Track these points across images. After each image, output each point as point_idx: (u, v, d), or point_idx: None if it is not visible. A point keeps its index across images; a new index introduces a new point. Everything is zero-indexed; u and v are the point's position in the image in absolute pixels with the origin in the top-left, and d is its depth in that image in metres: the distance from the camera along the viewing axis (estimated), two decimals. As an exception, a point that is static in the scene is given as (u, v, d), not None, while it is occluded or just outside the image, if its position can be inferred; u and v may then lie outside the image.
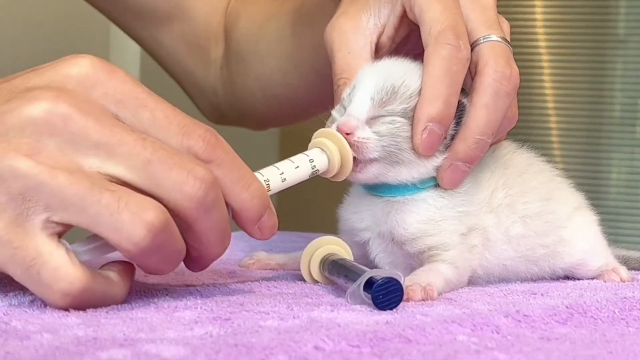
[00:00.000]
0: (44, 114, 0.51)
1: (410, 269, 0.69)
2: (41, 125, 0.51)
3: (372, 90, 0.68)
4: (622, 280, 0.76)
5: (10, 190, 0.50)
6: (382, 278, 0.56)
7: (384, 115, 0.67)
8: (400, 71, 0.69)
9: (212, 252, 0.57)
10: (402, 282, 0.57)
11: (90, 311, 0.52)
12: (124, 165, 0.51)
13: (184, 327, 0.48)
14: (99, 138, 0.51)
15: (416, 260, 0.70)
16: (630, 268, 0.81)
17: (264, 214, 0.58)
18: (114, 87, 0.54)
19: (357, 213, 0.72)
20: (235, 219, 0.58)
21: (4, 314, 0.50)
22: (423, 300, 0.61)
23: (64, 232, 0.52)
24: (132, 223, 0.50)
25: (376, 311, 0.55)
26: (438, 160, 0.68)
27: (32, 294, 0.55)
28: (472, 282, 0.71)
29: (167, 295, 0.59)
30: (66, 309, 0.51)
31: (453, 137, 0.68)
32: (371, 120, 0.67)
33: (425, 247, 0.69)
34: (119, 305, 0.54)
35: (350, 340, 0.45)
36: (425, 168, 0.68)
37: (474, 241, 0.70)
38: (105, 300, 0.53)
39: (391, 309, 0.56)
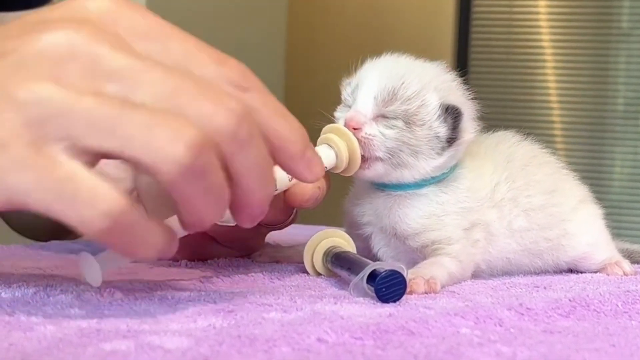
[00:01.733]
0: (64, 41, 0.47)
1: (413, 263, 0.69)
2: (62, 51, 0.47)
3: (375, 90, 0.68)
4: (625, 274, 0.76)
5: (29, 115, 0.45)
6: (386, 271, 0.56)
7: (388, 117, 0.68)
8: (400, 71, 0.69)
9: (254, 197, 0.50)
10: (405, 275, 0.57)
11: (93, 303, 0.52)
12: (149, 92, 0.47)
13: (187, 318, 0.48)
14: (123, 64, 0.47)
15: (419, 254, 0.70)
16: (634, 261, 0.81)
17: (308, 147, 0.53)
18: (138, 20, 0.50)
19: (360, 206, 0.72)
20: (278, 156, 0.52)
21: (8, 306, 0.50)
22: (426, 293, 0.61)
23: (91, 165, 0.47)
24: (170, 140, 0.45)
25: (379, 304, 0.55)
26: (437, 161, 0.69)
27: (35, 285, 0.55)
28: (475, 275, 0.71)
29: (170, 287, 0.59)
30: (103, 241, 0.47)
31: (450, 140, 0.69)
32: (376, 119, 0.68)
33: (428, 242, 0.69)
34: (123, 297, 0.54)
35: (353, 332, 0.45)
36: (425, 170, 0.69)
37: (476, 235, 0.70)
38: (143, 241, 0.47)
39: (394, 301, 0.56)
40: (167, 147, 0.45)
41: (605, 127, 3.35)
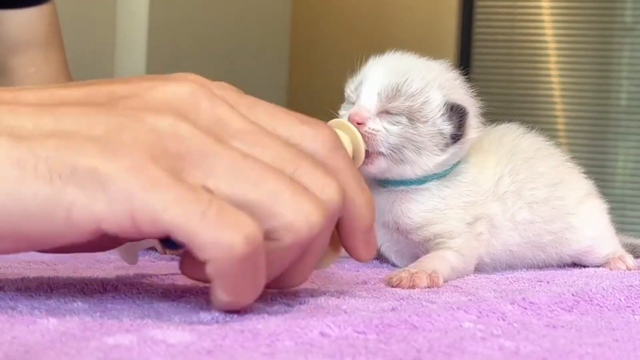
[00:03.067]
0: (188, 91, 0.47)
1: (416, 257, 0.69)
2: (187, 101, 0.46)
3: (379, 86, 0.68)
4: (628, 268, 0.76)
5: (169, 145, 0.44)
6: None
7: (391, 114, 0.68)
8: (404, 68, 0.70)
9: (290, 283, 0.51)
10: None
11: (97, 296, 0.52)
12: (269, 155, 0.46)
13: (190, 312, 0.48)
14: (243, 125, 0.47)
15: (422, 248, 0.70)
16: (637, 256, 0.81)
17: (373, 227, 0.52)
18: (228, 92, 0.50)
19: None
20: (344, 225, 0.51)
21: (10, 299, 0.50)
22: (428, 287, 0.61)
23: None
24: (312, 203, 0.46)
25: (382, 298, 0.55)
26: (440, 158, 0.69)
27: (38, 278, 0.55)
28: (479, 269, 0.72)
29: (173, 281, 0.59)
30: (202, 279, 0.48)
31: (454, 137, 0.69)
32: (380, 115, 0.68)
33: (430, 235, 0.69)
34: (126, 291, 0.54)
35: (356, 326, 0.45)
36: (427, 166, 0.69)
37: (480, 229, 0.70)
38: (259, 278, 0.46)
39: None
40: (310, 208, 0.46)
41: (609, 122, 3.35)
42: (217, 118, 0.47)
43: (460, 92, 0.71)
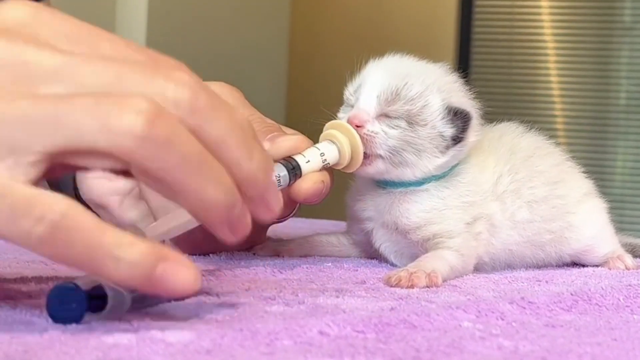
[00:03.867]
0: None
1: (415, 257, 0.69)
2: None
3: (378, 89, 0.68)
4: (627, 268, 0.76)
5: None
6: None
7: (390, 117, 0.68)
8: (403, 71, 0.70)
9: (248, 171, 0.43)
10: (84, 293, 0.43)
11: (95, 296, 0.52)
12: (92, 84, 0.41)
13: (190, 312, 0.48)
14: (56, 62, 0.42)
15: (421, 248, 0.70)
16: (636, 256, 0.81)
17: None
18: (60, 24, 0.45)
19: (361, 202, 0.72)
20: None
21: (10, 298, 0.50)
22: (427, 286, 0.61)
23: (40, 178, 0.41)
24: (121, 113, 0.40)
25: (381, 297, 0.56)
26: (440, 160, 0.69)
27: (37, 278, 0.55)
28: (478, 268, 0.72)
29: (172, 280, 0.59)
30: None
31: (455, 139, 0.69)
32: (379, 118, 0.68)
33: (430, 235, 0.69)
34: (125, 291, 0.54)
35: (355, 325, 0.45)
36: (427, 168, 0.69)
37: (479, 228, 0.70)
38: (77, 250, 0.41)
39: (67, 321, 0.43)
40: (119, 120, 0.40)
41: (608, 122, 3.35)
42: (23, 66, 0.41)
43: (460, 95, 0.71)
